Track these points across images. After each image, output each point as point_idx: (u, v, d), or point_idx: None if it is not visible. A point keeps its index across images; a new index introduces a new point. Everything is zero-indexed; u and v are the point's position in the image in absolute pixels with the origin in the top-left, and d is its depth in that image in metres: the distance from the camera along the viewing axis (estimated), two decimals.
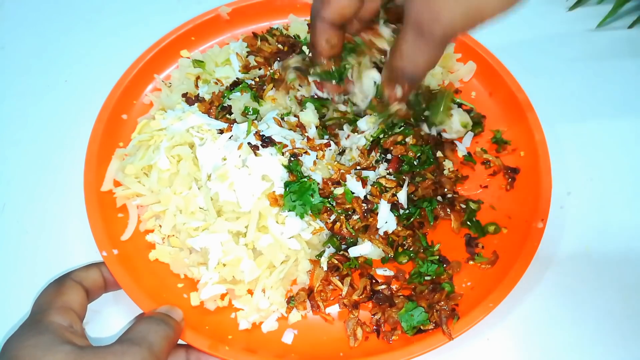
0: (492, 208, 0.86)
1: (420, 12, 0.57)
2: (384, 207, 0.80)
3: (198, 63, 0.97)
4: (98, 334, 0.76)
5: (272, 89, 0.89)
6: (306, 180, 0.78)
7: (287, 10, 1.06)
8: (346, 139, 0.87)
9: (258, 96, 0.89)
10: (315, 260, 0.79)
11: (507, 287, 0.73)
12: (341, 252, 0.80)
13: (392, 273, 0.80)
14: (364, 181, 0.81)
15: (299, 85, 0.86)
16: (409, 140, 0.86)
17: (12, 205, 0.89)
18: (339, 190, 0.80)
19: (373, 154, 0.86)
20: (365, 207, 0.80)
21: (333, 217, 0.80)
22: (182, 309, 0.73)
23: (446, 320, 0.71)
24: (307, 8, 1.08)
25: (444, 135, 0.91)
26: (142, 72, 0.96)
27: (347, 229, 0.79)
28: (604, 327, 0.77)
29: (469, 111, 0.94)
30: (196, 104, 0.90)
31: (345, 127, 0.87)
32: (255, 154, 0.78)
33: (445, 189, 0.86)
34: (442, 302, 0.74)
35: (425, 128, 0.87)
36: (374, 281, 0.79)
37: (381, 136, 0.86)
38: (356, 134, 0.86)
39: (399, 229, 0.81)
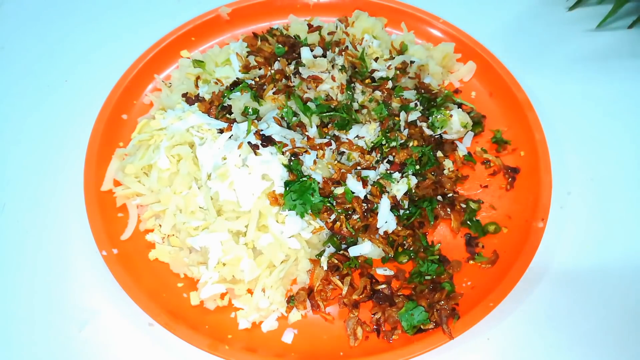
0: (492, 208, 0.86)
1: None
2: (384, 207, 0.80)
3: (198, 63, 0.97)
4: (98, 334, 0.76)
5: (272, 88, 0.89)
6: (306, 179, 0.78)
7: (287, 10, 1.07)
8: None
9: (258, 96, 0.89)
10: (316, 260, 0.79)
11: (507, 287, 0.73)
12: (341, 252, 0.80)
13: (392, 272, 0.80)
14: (364, 181, 0.81)
15: (307, 87, 0.87)
16: (411, 143, 0.87)
17: (12, 205, 0.89)
18: (339, 190, 0.80)
19: (373, 154, 0.86)
20: (366, 207, 0.81)
21: (333, 216, 0.80)
22: (182, 308, 0.73)
23: (446, 320, 0.71)
24: (307, 8, 1.08)
25: (445, 136, 0.91)
26: (142, 72, 0.96)
27: (347, 228, 0.79)
28: (603, 325, 0.77)
29: (469, 111, 0.94)
30: (196, 104, 0.90)
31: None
32: (255, 153, 0.78)
33: (446, 189, 0.86)
34: (443, 302, 0.74)
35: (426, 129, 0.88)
36: (374, 281, 0.78)
37: (383, 142, 0.86)
38: (357, 138, 0.87)
39: (399, 228, 0.81)
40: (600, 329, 0.77)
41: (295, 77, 0.86)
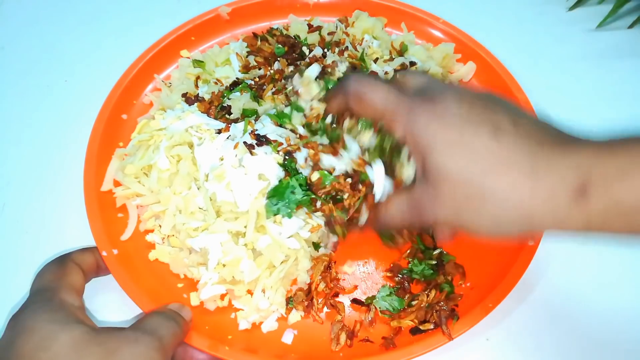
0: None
1: (452, 222, 0.57)
2: (379, 172, 0.70)
3: (198, 63, 0.97)
4: None
5: (272, 89, 0.89)
6: (282, 180, 0.76)
7: (287, 10, 1.07)
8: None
9: (258, 96, 0.89)
10: (318, 257, 0.79)
11: (507, 287, 0.73)
12: None
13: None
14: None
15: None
16: None
17: (12, 205, 0.89)
18: (315, 176, 0.75)
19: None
20: (352, 181, 0.73)
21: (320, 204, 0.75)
22: None
23: (446, 321, 0.71)
24: (307, 8, 1.08)
25: None
26: (142, 72, 0.96)
27: (337, 214, 0.74)
28: (604, 325, 0.77)
29: None
30: (195, 104, 0.90)
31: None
32: (251, 153, 0.78)
33: None
34: (442, 303, 0.74)
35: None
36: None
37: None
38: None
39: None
40: (600, 329, 0.77)
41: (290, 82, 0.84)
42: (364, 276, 0.81)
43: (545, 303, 0.79)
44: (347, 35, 1.00)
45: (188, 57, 1.01)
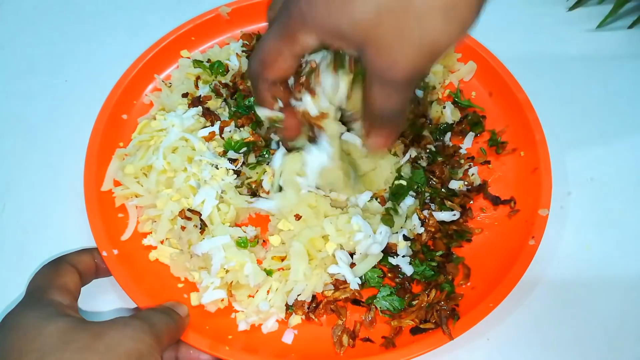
0: (492, 208, 0.86)
1: (377, 61, 0.55)
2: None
3: (198, 63, 0.97)
4: None
5: None
6: None
7: None
8: None
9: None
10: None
11: (507, 287, 0.73)
12: None
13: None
14: None
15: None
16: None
17: (12, 205, 0.89)
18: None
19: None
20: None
21: None
22: None
23: (446, 321, 0.71)
24: None
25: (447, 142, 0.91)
26: (142, 72, 0.96)
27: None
28: (605, 326, 0.77)
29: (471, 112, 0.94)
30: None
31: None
32: None
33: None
34: (442, 302, 0.74)
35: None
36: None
37: None
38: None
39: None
40: (601, 329, 0.77)
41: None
42: None
43: (545, 303, 0.79)
44: None
45: (188, 57, 1.01)
